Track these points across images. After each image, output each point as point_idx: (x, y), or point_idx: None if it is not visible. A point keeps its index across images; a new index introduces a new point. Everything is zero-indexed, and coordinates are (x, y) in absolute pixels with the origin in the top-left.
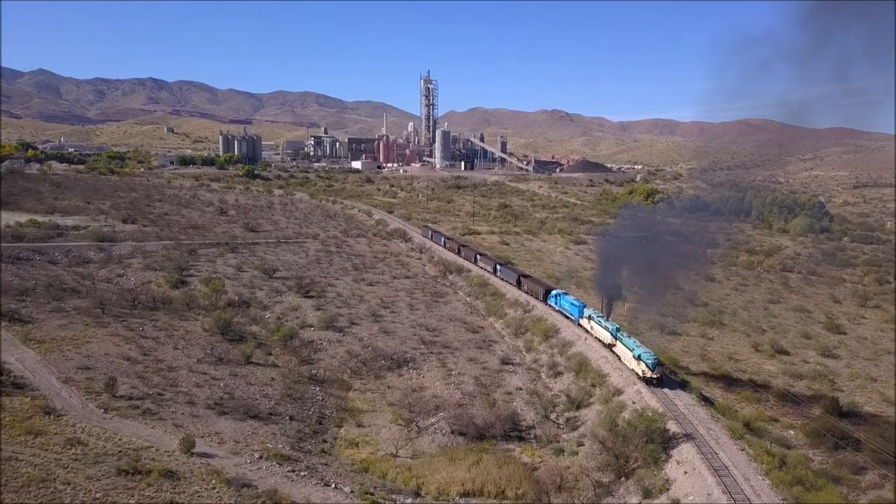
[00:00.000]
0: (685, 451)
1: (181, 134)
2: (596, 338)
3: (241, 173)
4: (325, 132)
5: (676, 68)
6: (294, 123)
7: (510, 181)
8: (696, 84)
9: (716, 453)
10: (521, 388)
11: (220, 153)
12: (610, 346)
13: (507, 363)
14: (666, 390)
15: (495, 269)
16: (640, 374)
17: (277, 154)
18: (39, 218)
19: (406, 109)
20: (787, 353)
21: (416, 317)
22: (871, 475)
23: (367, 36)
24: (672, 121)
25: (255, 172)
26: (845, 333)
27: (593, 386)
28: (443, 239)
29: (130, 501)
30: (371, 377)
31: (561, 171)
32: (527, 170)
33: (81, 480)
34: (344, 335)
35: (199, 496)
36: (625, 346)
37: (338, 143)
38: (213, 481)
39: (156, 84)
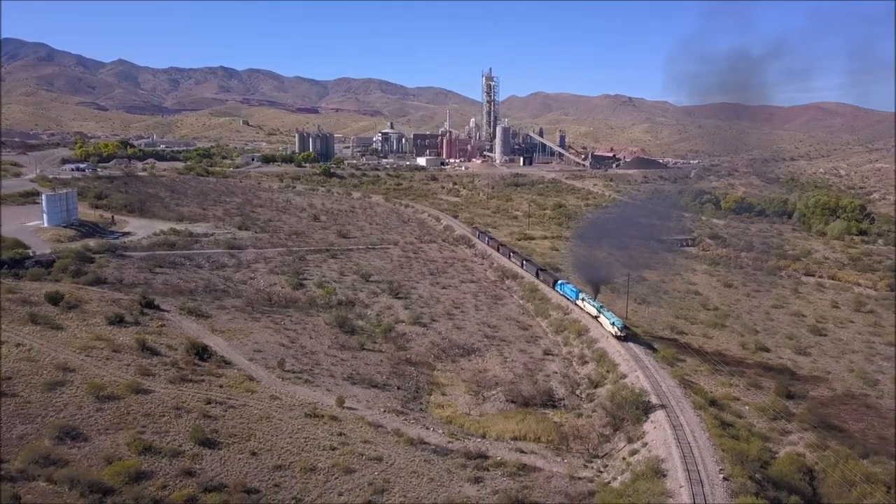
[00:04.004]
0: (658, 415)
1: (255, 126)
2: (586, 312)
3: (318, 172)
4: (391, 126)
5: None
6: (358, 112)
7: (566, 178)
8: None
9: (678, 417)
10: (556, 373)
11: (297, 150)
12: (595, 317)
13: (548, 354)
14: (655, 374)
15: (522, 263)
16: (614, 333)
17: (347, 147)
18: (176, 226)
19: (467, 95)
20: (767, 350)
21: (480, 316)
22: (793, 437)
23: (427, 19)
24: (740, 104)
25: (332, 171)
26: (825, 335)
27: (608, 372)
28: (486, 238)
29: (318, 431)
30: (448, 361)
31: (617, 166)
32: (584, 165)
33: (286, 419)
34: (427, 329)
35: (354, 431)
36: (605, 317)
37: (403, 139)
38: (361, 423)
39: (226, 72)
